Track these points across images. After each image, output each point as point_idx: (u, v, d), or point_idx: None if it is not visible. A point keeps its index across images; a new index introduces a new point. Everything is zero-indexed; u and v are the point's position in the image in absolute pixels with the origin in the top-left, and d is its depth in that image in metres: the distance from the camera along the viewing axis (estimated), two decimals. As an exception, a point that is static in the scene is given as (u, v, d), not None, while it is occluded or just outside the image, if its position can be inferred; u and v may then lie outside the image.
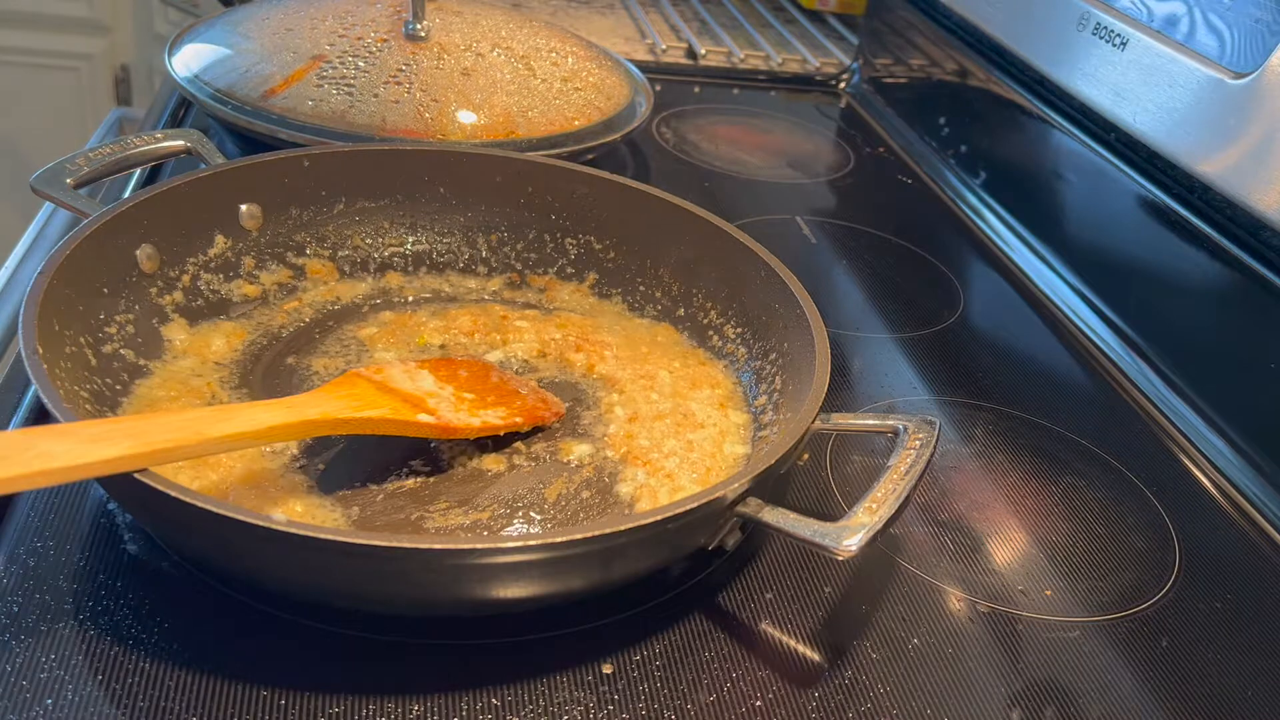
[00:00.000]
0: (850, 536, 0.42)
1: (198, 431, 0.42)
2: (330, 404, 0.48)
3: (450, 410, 0.51)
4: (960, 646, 0.48)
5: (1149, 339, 0.72)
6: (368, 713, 0.41)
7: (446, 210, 0.68)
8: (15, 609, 0.43)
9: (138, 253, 0.55)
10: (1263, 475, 0.61)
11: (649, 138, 0.97)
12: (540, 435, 0.55)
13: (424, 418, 0.50)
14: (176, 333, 0.57)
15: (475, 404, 0.53)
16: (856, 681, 0.45)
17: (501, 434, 0.53)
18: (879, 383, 0.68)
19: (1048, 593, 0.52)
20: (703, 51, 1.18)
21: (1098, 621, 0.51)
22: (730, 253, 0.62)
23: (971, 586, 0.51)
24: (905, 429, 0.49)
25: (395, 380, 0.52)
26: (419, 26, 0.80)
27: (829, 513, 0.55)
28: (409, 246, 0.67)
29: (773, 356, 0.58)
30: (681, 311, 0.64)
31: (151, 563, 0.46)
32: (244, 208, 0.61)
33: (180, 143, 0.63)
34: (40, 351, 0.44)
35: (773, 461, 0.45)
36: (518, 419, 0.53)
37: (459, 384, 0.54)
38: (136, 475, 0.38)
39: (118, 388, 0.52)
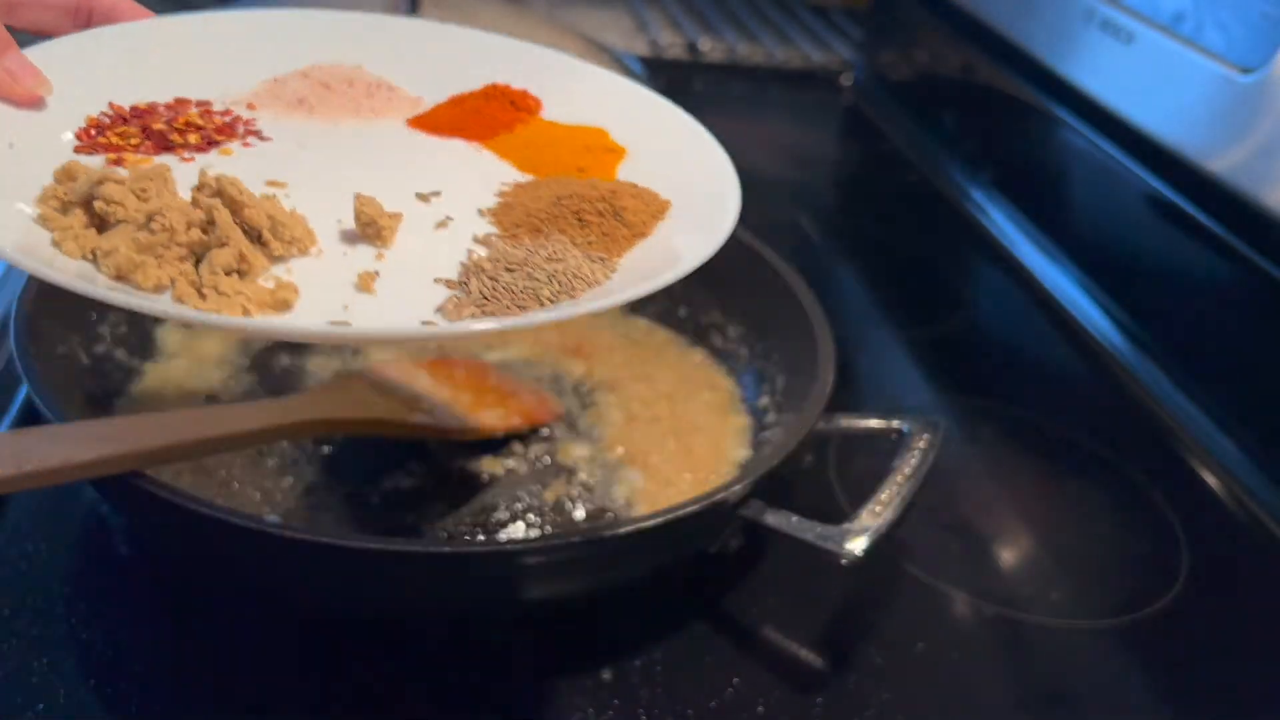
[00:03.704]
0: (854, 539, 0.42)
1: (191, 432, 0.41)
2: (326, 405, 0.47)
3: (447, 411, 0.51)
4: (966, 651, 0.47)
5: (1157, 338, 0.71)
6: (365, 713, 0.40)
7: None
8: (6, 612, 0.42)
9: (132, 251, 0.55)
10: (1272, 478, 0.61)
11: (650, 134, 0.96)
12: (537, 437, 0.54)
13: (420, 418, 0.49)
14: (170, 333, 0.56)
15: (473, 404, 0.52)
16: (860, 687, 0.44)
17: (499, 435, 0.52)
18: (883, 382, 0.67)
19: (1054, 596, 0.51)
20: (703, 46, 1.18)
21: (1105, 625, 0.50)
22: (731, 251, 0.61)
23: (977, 590, 0.51)
24: (910, 430, 0.49)
25: (392, 380, 0.51)
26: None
27: (833, 515, 0.54)
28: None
29: (775, 357, 0.57)
30: (683, 312, 0.64)
31: (144, 564, 0.45)
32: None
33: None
34: (32, 351, 0.44)
35: (775, 463, 0.44)
36: (515, 420, 0.53)
37: (456, 384, 0.53)
38: (128, 478, 0.38)
39: (110, 388, 0.51)
